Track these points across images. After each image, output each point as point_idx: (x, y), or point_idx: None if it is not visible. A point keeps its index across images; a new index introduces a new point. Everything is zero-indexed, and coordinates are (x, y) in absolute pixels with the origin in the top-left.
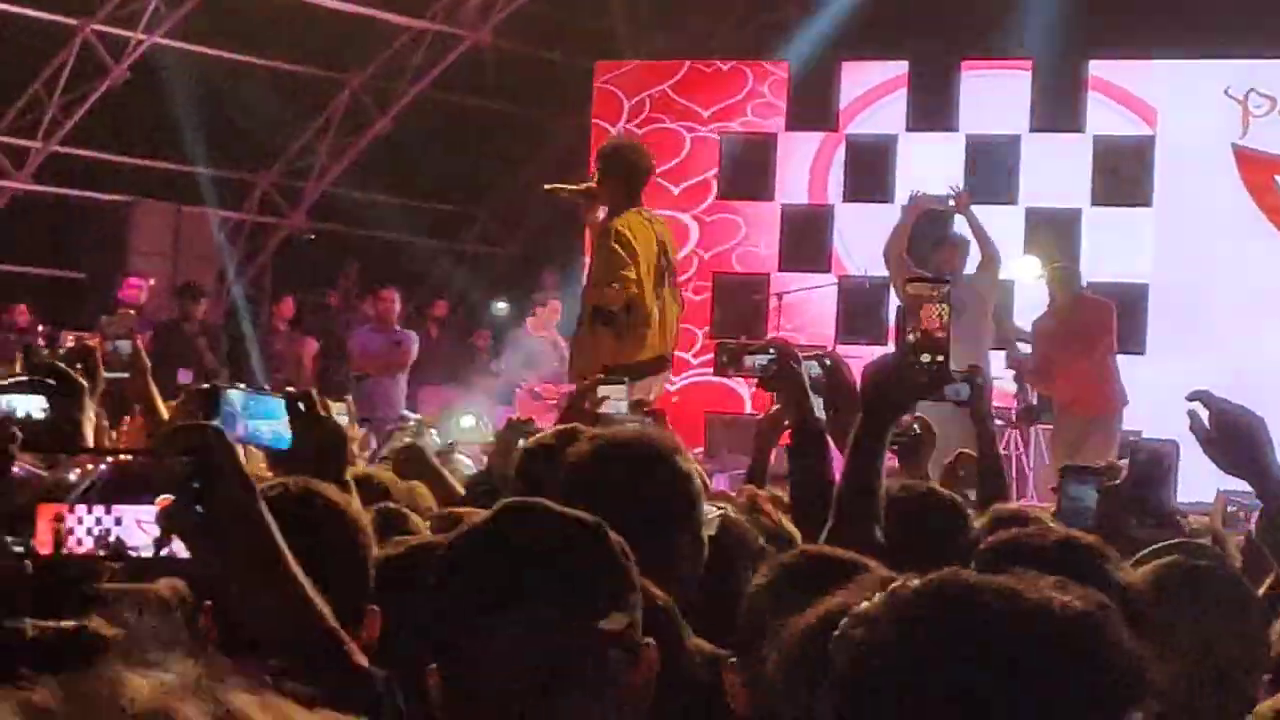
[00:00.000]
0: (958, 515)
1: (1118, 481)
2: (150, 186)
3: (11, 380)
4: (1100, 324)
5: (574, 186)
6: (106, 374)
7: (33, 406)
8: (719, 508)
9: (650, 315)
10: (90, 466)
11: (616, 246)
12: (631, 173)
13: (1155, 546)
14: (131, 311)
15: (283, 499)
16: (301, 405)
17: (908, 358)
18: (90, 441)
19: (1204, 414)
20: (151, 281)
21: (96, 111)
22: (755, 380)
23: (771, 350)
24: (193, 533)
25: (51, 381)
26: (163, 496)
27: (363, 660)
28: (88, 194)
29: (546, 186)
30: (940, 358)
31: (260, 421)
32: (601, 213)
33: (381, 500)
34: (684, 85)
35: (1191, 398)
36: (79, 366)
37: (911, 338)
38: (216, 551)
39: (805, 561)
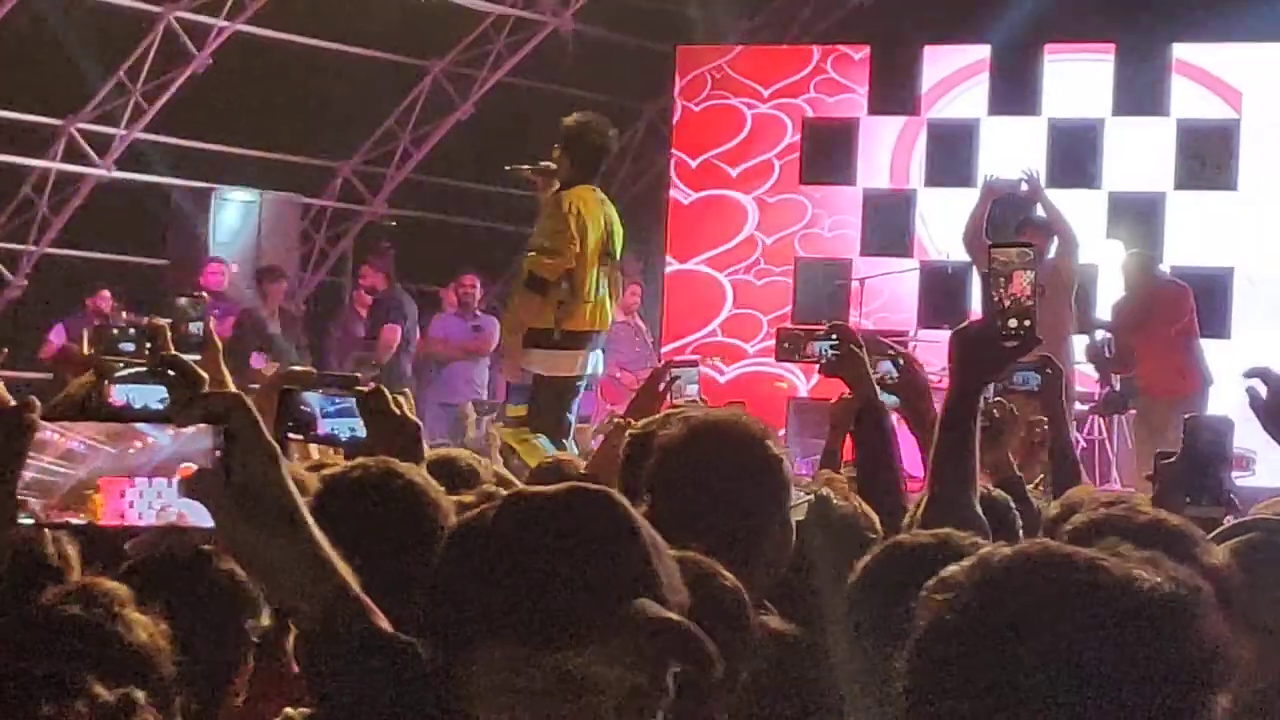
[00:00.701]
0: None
1: (1171, 460)
2: (232, 173)
3: (131, 371)
4: (1177, 307)
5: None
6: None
7: (152, 398)
8: (812, 493)
9: (588, 290)
10: (151, 440)
11: (568, 218)
12: (593, 151)
13: (1233, 524)
14: (204, 294)
15: (363, 480)
16: (372, 404)
17: (995, 323)
18: None
19: (1263, 390)
20: (234, 268)
21: (179, 99)
22: (818, 366)
23: (833, 335)
24: (217, 501)
25: (172, 373)
26: (185, 465)
27: (388, 628)
28: (170, 181)
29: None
30: (1027, 322)
31: (338, 420)
32: (555, 186)
33: (469, 482)
34: (766, 69)
35: (1250, 374)
36: (147, 346)
37: (998, 303)
38: (241, 520)
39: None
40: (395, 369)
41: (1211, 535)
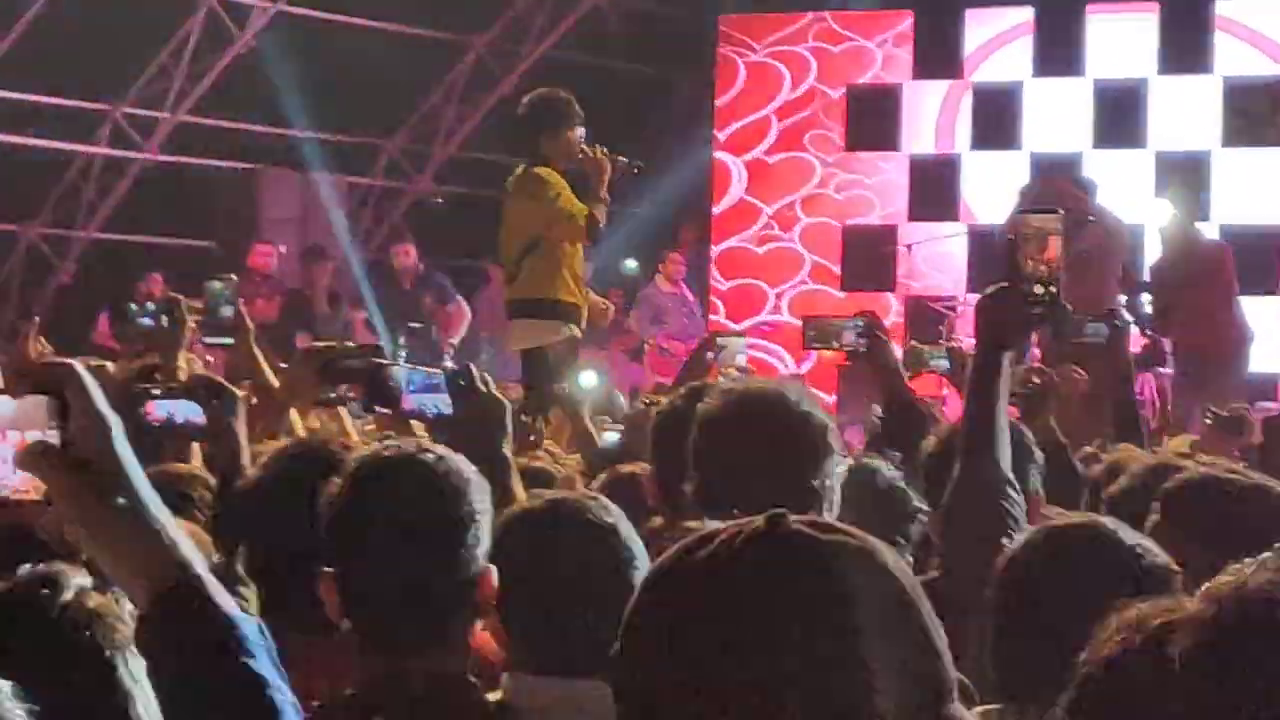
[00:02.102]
0: None
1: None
2: (277, 154)
3: (165, 388)
4: (1216, 265)
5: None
6: (208, 339)
7: (189, 413)
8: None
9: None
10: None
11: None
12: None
13: None
14: (233, 276)
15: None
16: (461, 380)
17: (1020, 289)
18: (246, 451)
19: None
20: (282, 248)
21: (222, 81)
22: (845, 355)
23: (860, 322)
24: (51, 474)
25: (204, 391)
26: (22, 436)
27: (232, 606)
28: (216, 163)
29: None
30: (1053, 288)
31: (425, 395)
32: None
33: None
34: (807, 36)
35: None
36: (164, 317)
37: (1025, 269)
38: (76, 493)
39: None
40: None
41: None
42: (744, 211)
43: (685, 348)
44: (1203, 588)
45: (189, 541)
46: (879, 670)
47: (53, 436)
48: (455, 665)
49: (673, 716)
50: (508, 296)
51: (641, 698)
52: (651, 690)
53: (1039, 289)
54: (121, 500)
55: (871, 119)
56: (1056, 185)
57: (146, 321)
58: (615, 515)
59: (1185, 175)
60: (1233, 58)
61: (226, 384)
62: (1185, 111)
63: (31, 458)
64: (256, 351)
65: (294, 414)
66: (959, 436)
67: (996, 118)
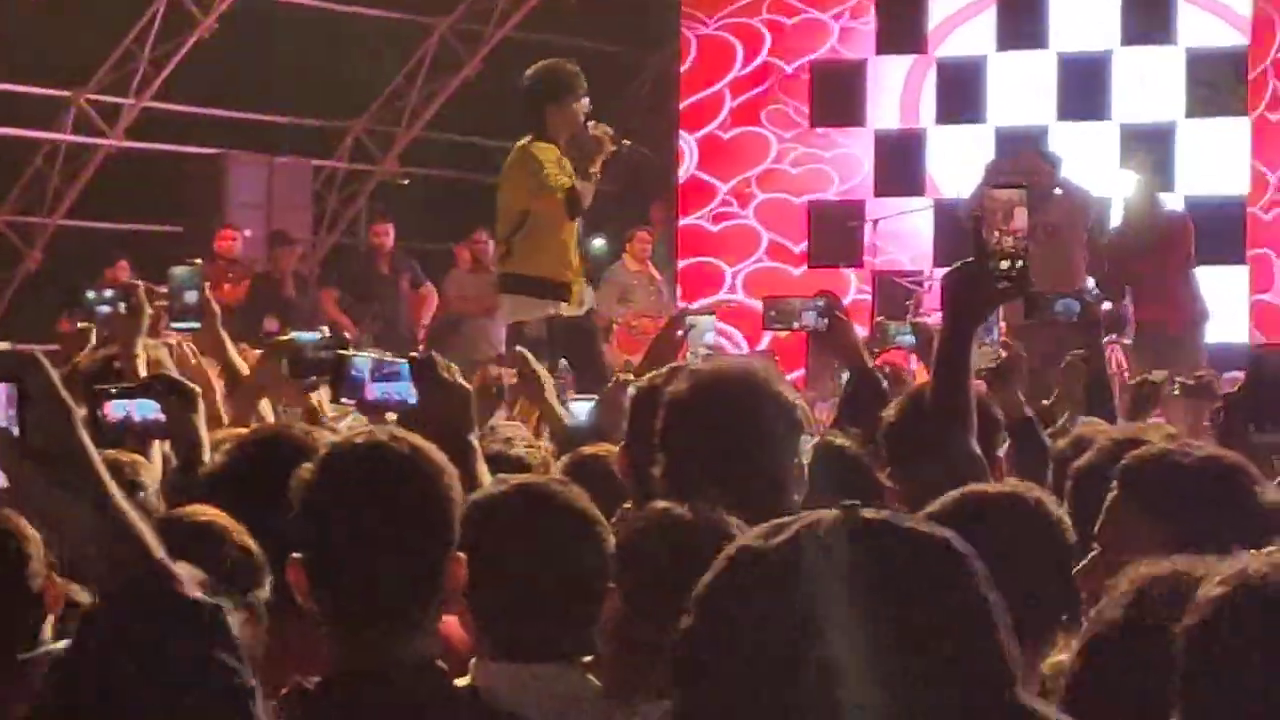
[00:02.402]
0: None
1: (1237, 390)
2: (242, 138)
3: (121, 388)
4: (1179, 237)
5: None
6: (175, 325)
7: (147, 412)
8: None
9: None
10: None
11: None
12: None
13: None
14: (198, 261)
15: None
16: (425, 369)
17: (987, 264)
18: (207, 446)
19: None
20: (248, 232)
21: (186, 66)
22: (807, 335)
23: (820, 302)
24: (10, 460)
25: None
26: None
27: (195, 591)
28: (181, 148)
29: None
30: (1020, 263)
31: (388, 384)
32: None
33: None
34: (761, 9)
35: None
36: (121, 305)
37: (990, 244)
38: (37, 479)
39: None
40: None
41: None
42: (699, 189)
43: (654, 325)
44: (1217, 573)
45: (150, 528)
46: (951, 657)
47: (12, 424)
48: (424, 652)
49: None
50: (498, 271)
51: (719, 691)
52: (729, 683)
53: (1005, 264)
54: (82, 487)
55: (836, 94)
56: (1023, 159)
57: (104, 309)
58: (582, 499)
59: (1149, 146)
60: (1195, 28)
61: (185, 381)
62: (1149, 83)
63: None
64: (223, 335)
65: (265, 403)
66: (928, 412)
67: (961, 92)
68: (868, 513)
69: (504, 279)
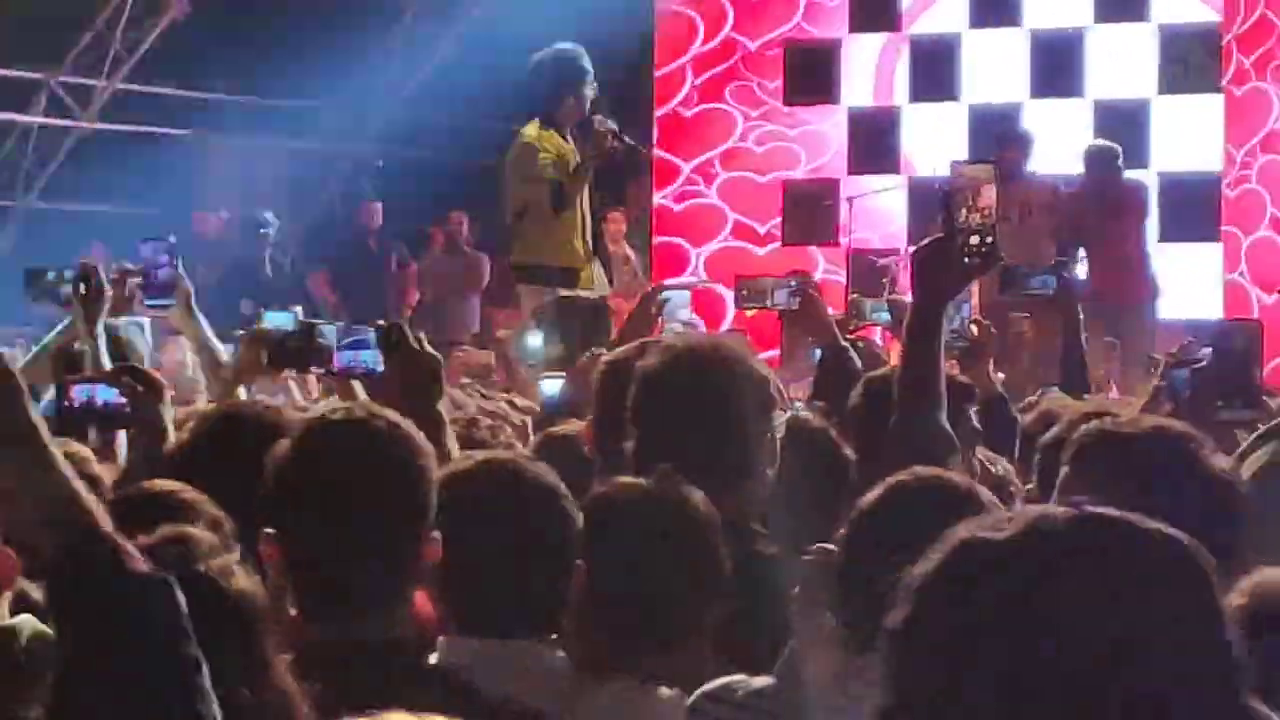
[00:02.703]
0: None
1: (1204, 364)
2: (218, 120)
3: (84, 378)
4: (1135, 206)
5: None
6: (149, 302)
7: (109, 395)
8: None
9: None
10: None
11: None
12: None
13: (1263, 431)
14: (171, 238)
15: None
16: (393, 337)
17: (956, 241)
18: (172, 434)
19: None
20: (224, 214)
21: (159, 46)
22: (779, 315)
23: (793, 282)
24: None
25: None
26: None
27: (141, 565)
28: (156, 130)
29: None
30: (989, 239)
31: (355, 352)
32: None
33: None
34: None
35: None
36: (82, 285)
37: (960, 221)
38: None
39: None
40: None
41: (1254, 437)
42: (660, 168)
43: (629, 305)
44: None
45: (98, 502)
46: (1189, 659)
47: None
48: (396, 630)
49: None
50: (510, 262)
51: (946, 691)
52: (955, 678)
53: (975, 240)
54: (31, 462)
55: (809, 73)
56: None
57: (65, 290)
58: (549, 475)
59: (1123, 123)
60: (1168, 5)
61: (151, 371)
62: (1122, 60)
63: None
64: (197, 313)
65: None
66: (897, 389)
67: (934, 69)
68: (1101, 509)
69: (515, 270)
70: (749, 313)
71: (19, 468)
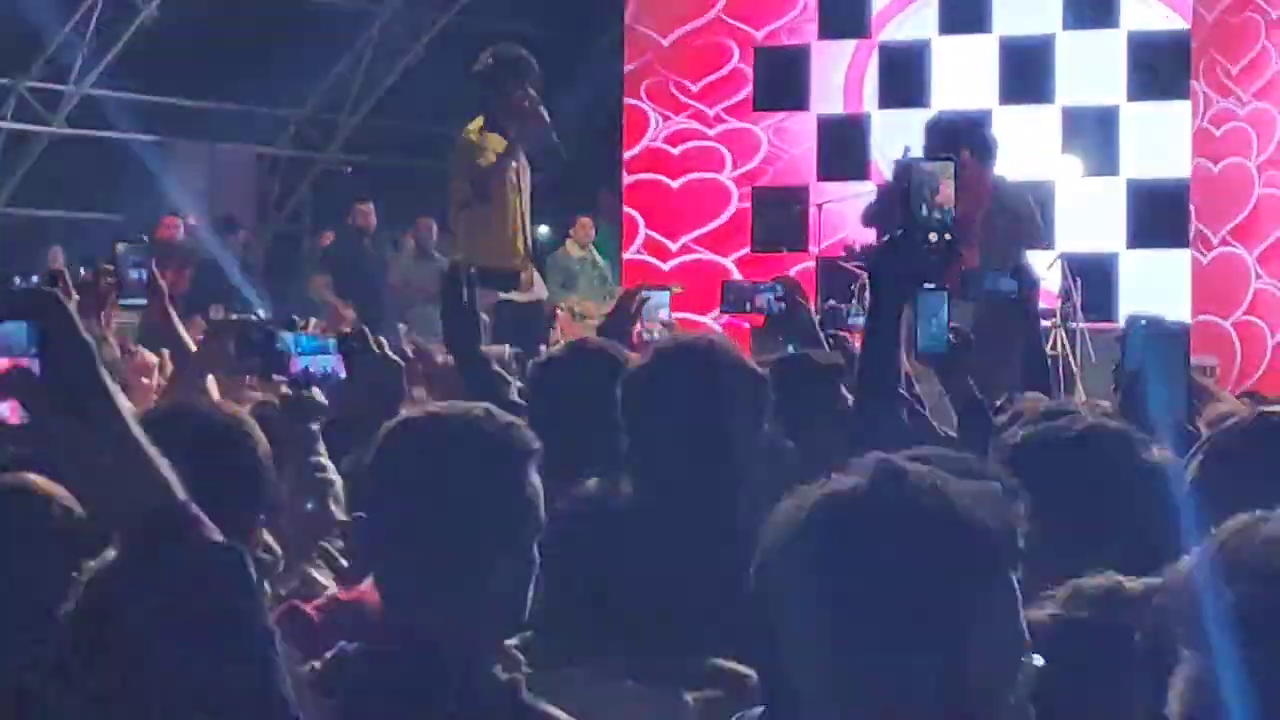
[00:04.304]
0: None
1: (1135, 368)
2: (185, 125)
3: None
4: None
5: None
6: (124, 301)
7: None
8: None
9: None
10: None
11: None
12: None
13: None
14: (144, 238)
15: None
16: (354, 343)
17: (914, 237)
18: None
19: None
20: (190, 219)
21: (129, 52)
22: (762, 319)
23: (779, 287)
24: (32, 398)
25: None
26: None
27: (216, 535)
28: (122, 135)
29: None
30: (948, 235)
31: (314, 358)
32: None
33: None
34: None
35: None
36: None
37: (918, 217)
38: (57, 417)
39: None
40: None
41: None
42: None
43: (598, 310)
44: None
45: (171, 469)
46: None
47: (33, 363)
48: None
49: None
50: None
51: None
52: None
53: (934, 236)
54: (104, 425)
55: (779, 79)
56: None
57: None
58: (507, 424)
59: (1092, 129)
60: (1137, 12)
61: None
62: (1091, 66)
63: (11, 383)
64: (171, 313)
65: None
66: (856, 385)
67: (904, 76)
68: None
69: (476, 273)
70: (778, 329)
71: (93, 434)
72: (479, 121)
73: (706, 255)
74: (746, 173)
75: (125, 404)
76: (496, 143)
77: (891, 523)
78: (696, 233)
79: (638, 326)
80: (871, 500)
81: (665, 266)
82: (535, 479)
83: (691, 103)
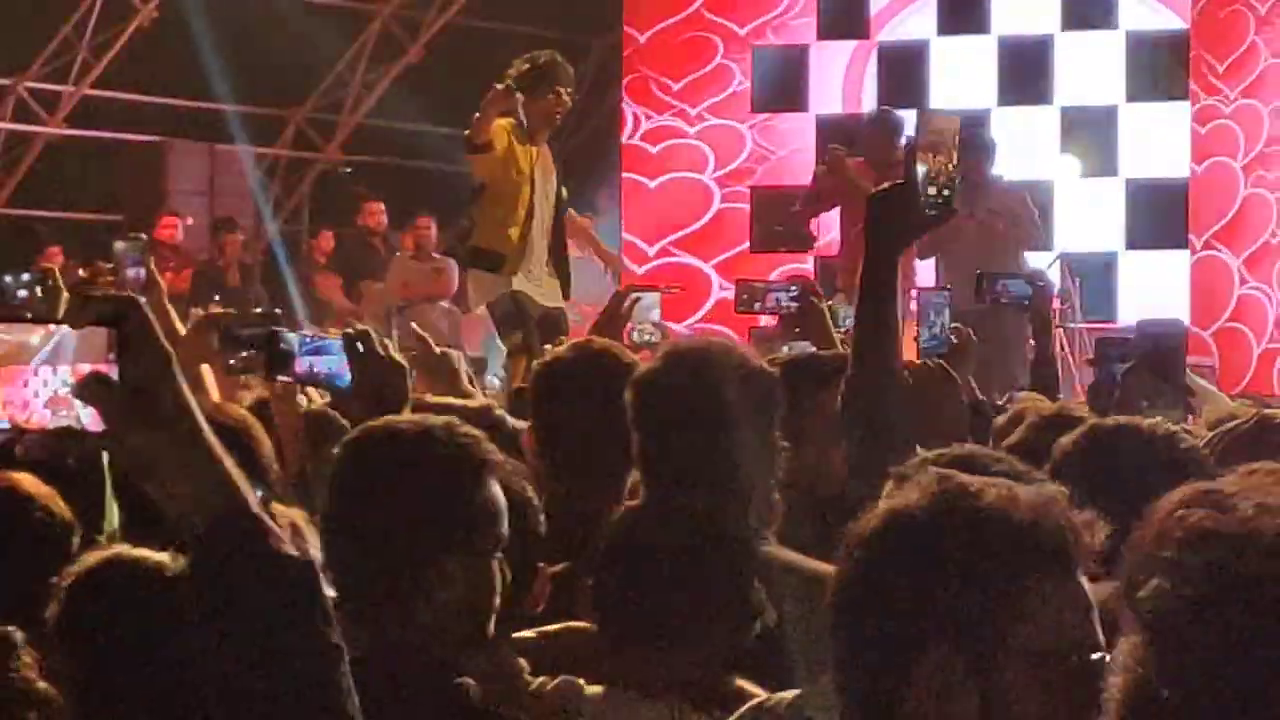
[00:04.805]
0: None
1: (1131, 364)
2: (183, 126)
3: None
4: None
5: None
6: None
7: None
8: None
9: None
10: (50, 328)
11: None
12: None
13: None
14: (142, 236)
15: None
16: (360, 344)
17: (916, 189)
18: None
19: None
20: (189, 220)
21: (127, 53)
22: (779, 318)
23: (794, 287)
24: (109, 404)
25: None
26: (79, 367)
27: (289, 548)
28: (121, 136)
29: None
30: (947, 192)
31: (317, 359)
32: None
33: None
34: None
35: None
36: (38, 288)
37: (922, 169)
38: (133, 424)
39: None
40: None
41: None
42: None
43: (594, 310)
44: None
45: (244, 477)
46: None
47: (112, 368)
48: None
49: None
50: (466, 248)
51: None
52: None
53: (933, 190)
54: (179, 433)
55: (778, 79)
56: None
57: (22, 294)
58: (510, 479)
59: (1091, 129)
60: (1136, 13)
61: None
62: (1090, 67)
63: (90, 389)
64: (170, 310)
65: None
66: (851, 346)
67: (903, 76)
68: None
69: (469, 253)
70: (793, 327)
71: (172, 444)
72: (509, 120)
73: (687, 259)
74: (731, 172)
75: (199, 413)
76: (520, 137)
77: (959, 546)
78: (676, 235)
79: (628, 327)
80: (937, 521)
81: (640, 270)
82: (495, 490)
83: (674, 101)
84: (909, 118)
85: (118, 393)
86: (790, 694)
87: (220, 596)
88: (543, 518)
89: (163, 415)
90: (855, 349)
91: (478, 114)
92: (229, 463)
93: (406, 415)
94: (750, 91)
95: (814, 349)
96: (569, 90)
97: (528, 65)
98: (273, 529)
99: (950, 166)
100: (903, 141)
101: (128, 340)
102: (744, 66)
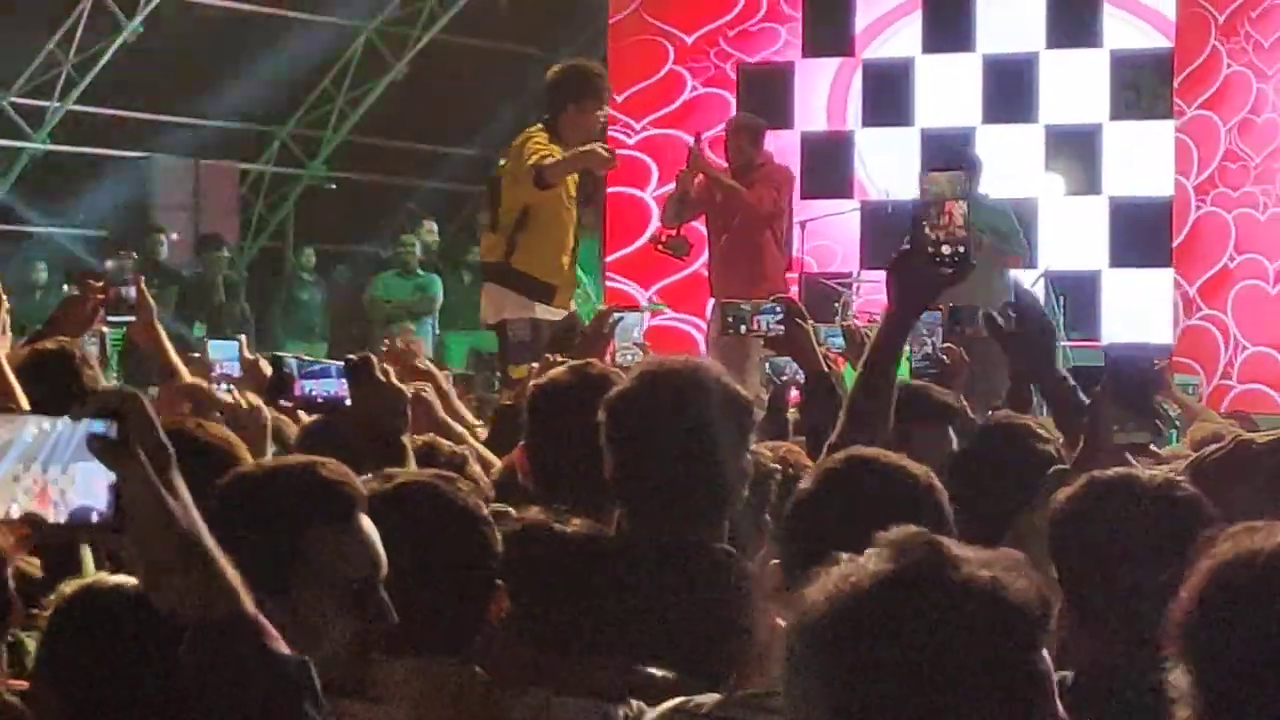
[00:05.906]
0: None
1: (1099, 392)
2: (169, 141)
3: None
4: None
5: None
6: (113, 318)
7: None
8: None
9: None
10: (46, 426)
11: None
12: None
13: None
14: (134, 255)
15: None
16: (360, 369)
17: (928, 251)
18: None
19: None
20: (175, 236)
21: (112, 69)
22: (764, 339)
23: (778, 308)
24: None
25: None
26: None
27: (281, 646)
28: (106, 151)
29: None
30: (961, 249)
31: (315, 382)
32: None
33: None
34: (695, 12)
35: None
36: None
37: (931, 231)
38: (130, 519)
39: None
40: None
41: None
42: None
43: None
44: None
45: (238, 576)
46: None
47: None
48: None
49: None
50: (489, 261)
51: None
52: None
53: (947, 250)
54: (177, 530)
55: (763, 97)
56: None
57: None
58: (470, 498)
59: (1075, 148)
60: (1120, 31)
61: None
62: (1074, 85)
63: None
64: (161, 332)
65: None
66: (852, 398)
67: (888, 94)
68: None
69: (499, 270)
70: (778, 348)
71: (169, 543)
72: (538, 126)
73: (622, 284)
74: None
75: (196, 513)
76: (543, 140)
77: (925, 613)
78: (613, 256)
79: (610, 347)
80: (902, 586)
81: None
82: (366, 525)
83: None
84: (888, 135)
85: (117, 485)
86: (712, 697)
87: (220, 696)
88: (500, 536)
89: (157, 512)
90: (856, 394)
91: (564, 157)
92: (226, 564)
93: (279, 459)
94: (736, 107)
95: (794, 363)
96: (605, 109)
97: (568, 73)
98: (269, 629)
99: (960, 223)
100: (765, 145)
101: (128, 435)
102: (729, 85)
